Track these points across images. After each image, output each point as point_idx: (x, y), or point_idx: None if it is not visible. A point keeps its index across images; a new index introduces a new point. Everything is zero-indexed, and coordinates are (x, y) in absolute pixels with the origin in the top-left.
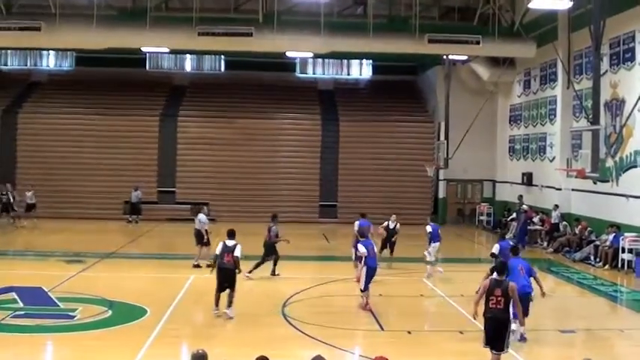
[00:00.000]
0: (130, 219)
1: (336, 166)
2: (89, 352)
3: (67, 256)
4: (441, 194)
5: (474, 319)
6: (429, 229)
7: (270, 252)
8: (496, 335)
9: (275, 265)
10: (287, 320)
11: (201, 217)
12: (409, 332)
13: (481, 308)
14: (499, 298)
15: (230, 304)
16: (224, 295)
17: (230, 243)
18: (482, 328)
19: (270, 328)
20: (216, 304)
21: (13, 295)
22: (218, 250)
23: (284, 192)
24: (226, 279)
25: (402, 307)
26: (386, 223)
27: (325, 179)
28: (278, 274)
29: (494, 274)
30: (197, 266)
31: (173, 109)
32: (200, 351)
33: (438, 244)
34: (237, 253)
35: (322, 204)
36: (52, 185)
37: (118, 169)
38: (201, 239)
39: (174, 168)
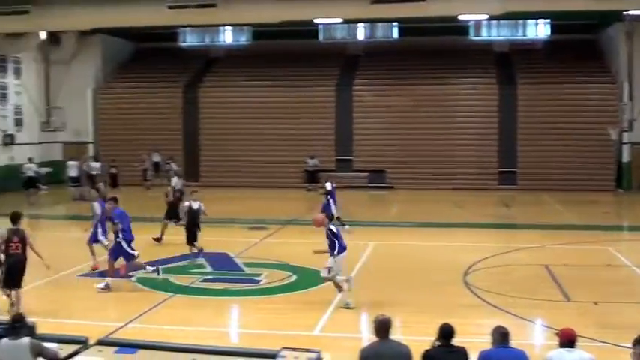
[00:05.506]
0: (310, 187)
1: (514, 131)
2: (273, 314)
3: (248, 224)
4: (625, 158)
5: None
6: None
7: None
8: None
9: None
10: (469, 289)
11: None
12: (595, 303)
13: None
14: None
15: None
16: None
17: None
18: None
19: (451, 296)
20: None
21: (202, 260)
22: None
23: (461, 158)
24: (11, 272)
25: (588, 276)
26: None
27: (504, 145)
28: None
29: None
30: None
31: (348, 78)
32: (383, 316)
33: None
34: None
35: (501, 170)
36: (232, 156)
37: (297, 140)
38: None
39: (350, 137)
